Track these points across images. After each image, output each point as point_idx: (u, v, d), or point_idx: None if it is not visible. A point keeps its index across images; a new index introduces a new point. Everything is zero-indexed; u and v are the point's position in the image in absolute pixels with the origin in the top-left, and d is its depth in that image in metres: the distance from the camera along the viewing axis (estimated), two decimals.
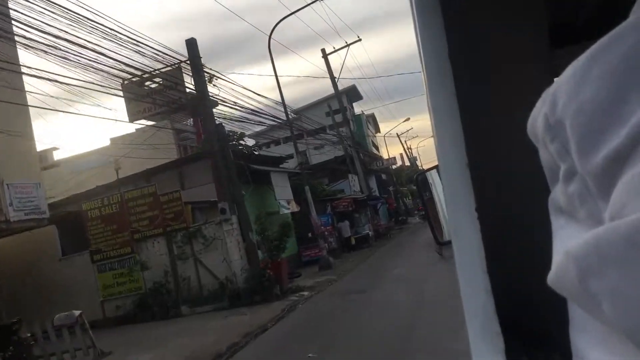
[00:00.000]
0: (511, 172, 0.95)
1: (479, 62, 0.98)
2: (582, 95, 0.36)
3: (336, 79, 33.61)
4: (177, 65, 14.66)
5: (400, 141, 67.23)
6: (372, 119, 68.36)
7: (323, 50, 33.61)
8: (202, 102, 14.87)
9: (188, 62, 14.85)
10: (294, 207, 20.67)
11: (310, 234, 22.30)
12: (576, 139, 0.36)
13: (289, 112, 21.75)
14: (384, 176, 38.97)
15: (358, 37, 34.07)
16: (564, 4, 1.24)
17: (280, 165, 23.00)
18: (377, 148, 64.79)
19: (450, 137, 0.91)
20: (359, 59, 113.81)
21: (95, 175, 20.50)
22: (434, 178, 1.46)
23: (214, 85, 15.13)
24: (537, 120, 0.41)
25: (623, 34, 0.35)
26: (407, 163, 70.95)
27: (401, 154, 71.15)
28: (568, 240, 0.38)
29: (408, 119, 49.05)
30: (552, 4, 1.07)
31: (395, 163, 39.19)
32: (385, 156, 45.30)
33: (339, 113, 33.35)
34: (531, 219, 0.70)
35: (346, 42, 32.88)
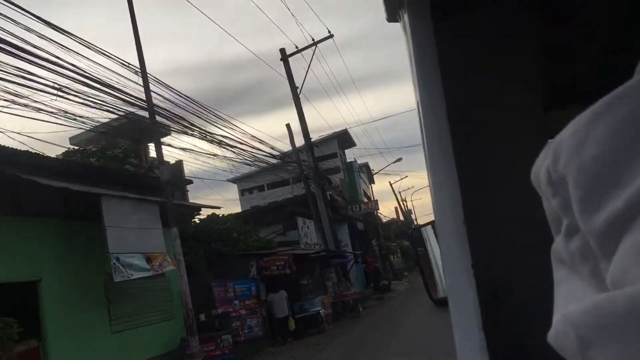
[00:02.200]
0: (507, 230, 0.95)
1: (476, 121, 0.99)
2: (584, 153, 0.36)
3: (298, 90, 24.51)
4: None
5: (393, 189, 58.12)
6: (366, 168, 60.93)
7: (282, 51, 24.70)
8: None
9: None
10: (167, 266, 10.99)
11: (204, 315, 12.41)
12: (578, 198, 0.36)
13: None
14: (360, 225, 29.06)
15: (329, 31, 25.01)
16: (560, 67, 1.25)
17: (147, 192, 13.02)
18: (369, 199, 57.60)
19: (447, 194, 0.93)
20: (357, 112, 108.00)
21: None
22: (429, 234, 1.45)
23: None
24: (540, 172, 0.41)
25: (628, 94, 0.35)
26: (402, 218, 61.80)
27: (396, 207, 61.97)
28: (569, 297, 0.38)
29: (400, 159, 39.70)
30: (548, 67, 1.11)
31: (376, 208, 28.68)
32: (379, 208, 35.67)
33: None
34: (527, 276, 0.71)
35: (313, 40, 24.03)
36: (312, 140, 24.18)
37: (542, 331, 0.37)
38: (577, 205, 0.36)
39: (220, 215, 18.60)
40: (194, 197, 37.86)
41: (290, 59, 24.40)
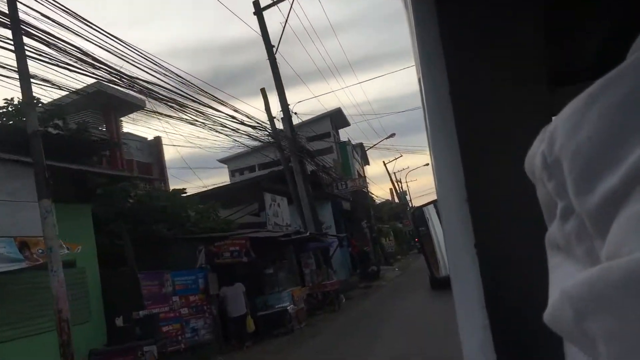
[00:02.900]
0: (510, 208, 0.93)
1: (479, 99, 0.98)
2: (579, 135, 0.36)
3: (274, 49, 21.18)
4: None
5: (387, 169, 55.03)
6: (361, 148, 57.96)
7: (256, 4, 21.32)
8: None
9: None
10: (63, 249, 7.85)
11: (121, 319, 9.33)
12: (573, 179, 0.36)
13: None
14: (346, 205, 25.85)
15: None
16: (564, 45, 1.23)
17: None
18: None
19: (450, 173, 0.92)
20: (356, 98, 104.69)
21: None
22: (431, 213, 1.46)
23: None
24: (534, 158, 0.41)
25: (622, 75, 0.35)
26: (397, 199, 58.84)
27: (390, 189, 58.94)
28: (564, 279, 0.37)
29: (393, 135, 36.37)
30: (553, 43, 1.07)
31: (364, 186, 25.47)
32: (367, 186, 32.39)
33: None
34: (530, 254, 0.71)
35: None
36: (290, 107, 20.94)
37: (545, 310, 0.37)
38: (572, 186, 0.36)
39: (185, 195, 15.47)
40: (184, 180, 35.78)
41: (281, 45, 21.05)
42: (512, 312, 0.91)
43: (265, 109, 21.00)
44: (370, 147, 40.00)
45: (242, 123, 17.23)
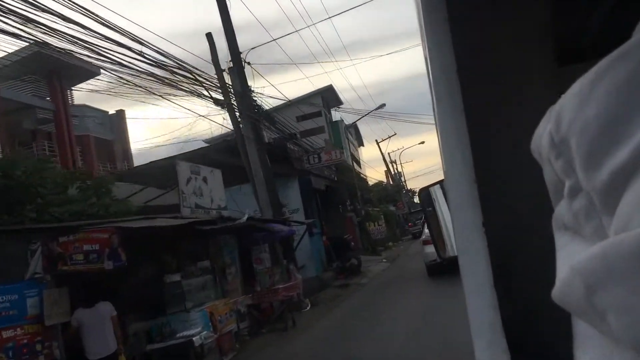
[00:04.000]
0: (519, 187, 0.93)
1: (486, 78, 0.98)
2: (587, 113, 0.36)
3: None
4: None
5: (380, 148, 50.26)
6: (355, 129, 53.49)
7: None
8: None
9: None
10: None
11: None
12: (581, 156, 0.36)
13: None
14: (318, 183, 20.58)
15: None
16: (571, 22, 1.20)
17: None
18: (358, 164, 50.46)
19: (458, 153, 0.91)
20: (352, 81, 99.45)
21: None
22: (437, 194, 1.48)
23: None
24: (541, 137, 0.41)
25: (627, 53, 0.36)
26: (391, 181, 54.15)
27: (386, 172, 54.10)
28: (572, 257, 0.37)
29: (383, 105, 31.40)
30: (559, 21, 1.05)
31: (341, 159, 20.46)
32: (345, 158, 27.18)
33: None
34: (538, 234, 0.71)
35: None
36: (241, 54, 15.92)
37: (553, 288, 0.37)
38: (580, 163, 0.36)
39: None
40: None
41: None
42: (521, 291, 0.91)
43: (212, 59, 16.02)
44: (360, 118, 35.06)
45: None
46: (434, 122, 0.97)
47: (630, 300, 0.29)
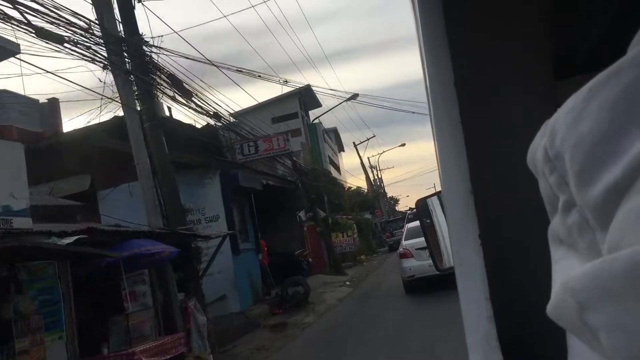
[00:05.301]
0: (515, 200, 0.94)
1: (484, 91, 0.97)
2: (581, 128, 0.36)
3: None
4: None
5: (357, 150, 45.37)
6: (334, 133, 49.33)
7: None
8: None
9: None
10: None
11: None
12: (575, 172, 0.36)
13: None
14: (249, 182, 15.01)
15: None
16: (568, 37, 1.21)
17: None
18: (337, 169, 46.79)
19: (455, 164, 0.91)
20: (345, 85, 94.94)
21: None
22: (434, 205, 1.46)
23: None
24: (536, 151, 0.41)
25: (622, 69, 0.35)
26: (371, 186, 49.32)
27: (367, 177, 49.24)
28: (567, 272, 0.37)
29: (356, 95, 26.52)
30: (557, 35, 1.07)
31: (287, 149, 15.22)
32: (292, 149, 21.73)
33: None
34: (534, 246, 0.71)
35: None
36: None
37: (548, 302, 0.37)
38: (573, 179, 0.36)
39: None
40: None
41: None
42: (516, 303, 0.92)
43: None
44: (331, 109, 30.44)
45: None
46: (431, 134, 0.95)
47: (622, 320, 0.29)
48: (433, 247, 1.49)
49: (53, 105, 28.23)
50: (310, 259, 19.29)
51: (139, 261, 7.88)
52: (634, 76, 0.34)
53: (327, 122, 53.62)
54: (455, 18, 0.91)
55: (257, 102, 26.14)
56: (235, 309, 12.05)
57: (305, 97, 40.40)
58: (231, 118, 14.28)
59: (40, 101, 26.08)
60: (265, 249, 13.87)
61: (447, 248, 1.31)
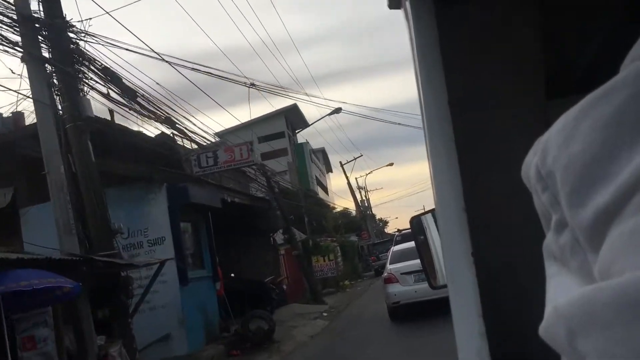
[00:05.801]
0: (507, 218, 0.95)
1: (477, 109, 0.99)
2: (572, 148, 0.36)
3: None
4: None
5: (344, 170, 43.45)
6: (322, 154, 47.81)
7: None
8: None
9: None
10: None
11: None
12: (566, 192, 0.36)
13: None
14: (202, 197, 12.84)
15: None
16: (561, 57, 1.24)
17: None
18: (325, 190, 46.53)
19: (448, 181, 0.91)
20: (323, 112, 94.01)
21: None
22: (429, 222, 1.46)
23: None
24: (529, 168, 0.41)
25: (613, 89, 0.35)
26: (358, 206, 47.21)
27: (354, 198, 47.20)
28: (560, 290, 0.38)
29: (339, 110, 24.74)
30: (549, 56, 1.08)
31: (252, 161, 13.26)
32: (258, 160, 19.89)
33: None
34: (527, 263, 0.70)
35: None
36: None
37: (541, 318, 0.37)
38: (565, 199, 0.36)
39: None
40: None
41: None
42: (509, 320, 0.92)
43: None
44: (315, 122, 28.84)
45: None
46: (425, 151, 0.96)
47: (610, 349, 0.29)
48: (427, 264, 1.50)
49: (17, 119, 26.12)
50: (285, 286, 17.17)
51: (22, 299, 5.82)
52: (625, 97, 0.33)
53: (315, 142, 51.98)
54: (450, 38, 0.94)
55: (240, 122, 24.49)
56: (181, 351, 9.90)
57: (292, 116, 38.90)
58: (190, 125, 12.31)
59: None
60: (221, 278, 11.73)
61: (441, 265, 1.31)
